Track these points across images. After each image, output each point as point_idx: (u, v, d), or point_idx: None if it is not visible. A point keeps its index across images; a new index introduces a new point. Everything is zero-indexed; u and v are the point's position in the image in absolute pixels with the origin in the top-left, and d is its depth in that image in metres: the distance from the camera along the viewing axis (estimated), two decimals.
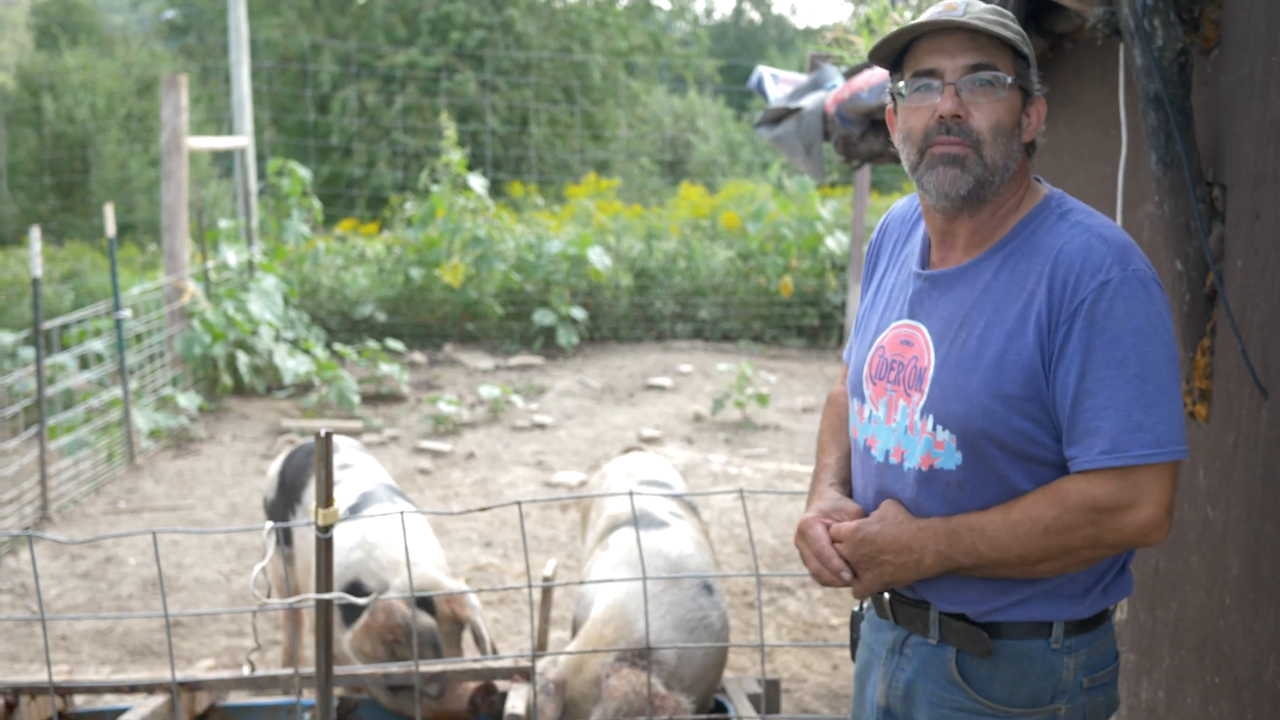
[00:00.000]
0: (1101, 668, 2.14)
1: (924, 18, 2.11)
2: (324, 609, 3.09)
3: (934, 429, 2.09)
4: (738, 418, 9.95)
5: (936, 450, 2.09)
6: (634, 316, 13.13)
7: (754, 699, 3.98)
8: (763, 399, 9.88)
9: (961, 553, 2.04)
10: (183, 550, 6.99)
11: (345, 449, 5.13)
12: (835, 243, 13.03)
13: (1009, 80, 2.07)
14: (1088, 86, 3.50)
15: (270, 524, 3.07)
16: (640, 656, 3.56)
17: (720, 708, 3.95)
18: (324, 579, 3.07)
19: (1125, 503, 1.96)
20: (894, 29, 2.26)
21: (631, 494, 3.28)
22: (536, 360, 12.11)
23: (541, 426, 9.83)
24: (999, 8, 2.13)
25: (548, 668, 3.62)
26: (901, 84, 2.14)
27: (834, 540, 2.15)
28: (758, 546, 7.14)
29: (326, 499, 3.02)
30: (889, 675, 2.24)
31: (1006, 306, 2.05)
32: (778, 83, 5.79)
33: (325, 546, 3.06)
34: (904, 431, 2.14)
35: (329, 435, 2.99)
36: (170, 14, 29.78)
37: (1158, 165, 2.74)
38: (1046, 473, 2.05)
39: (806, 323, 13.06)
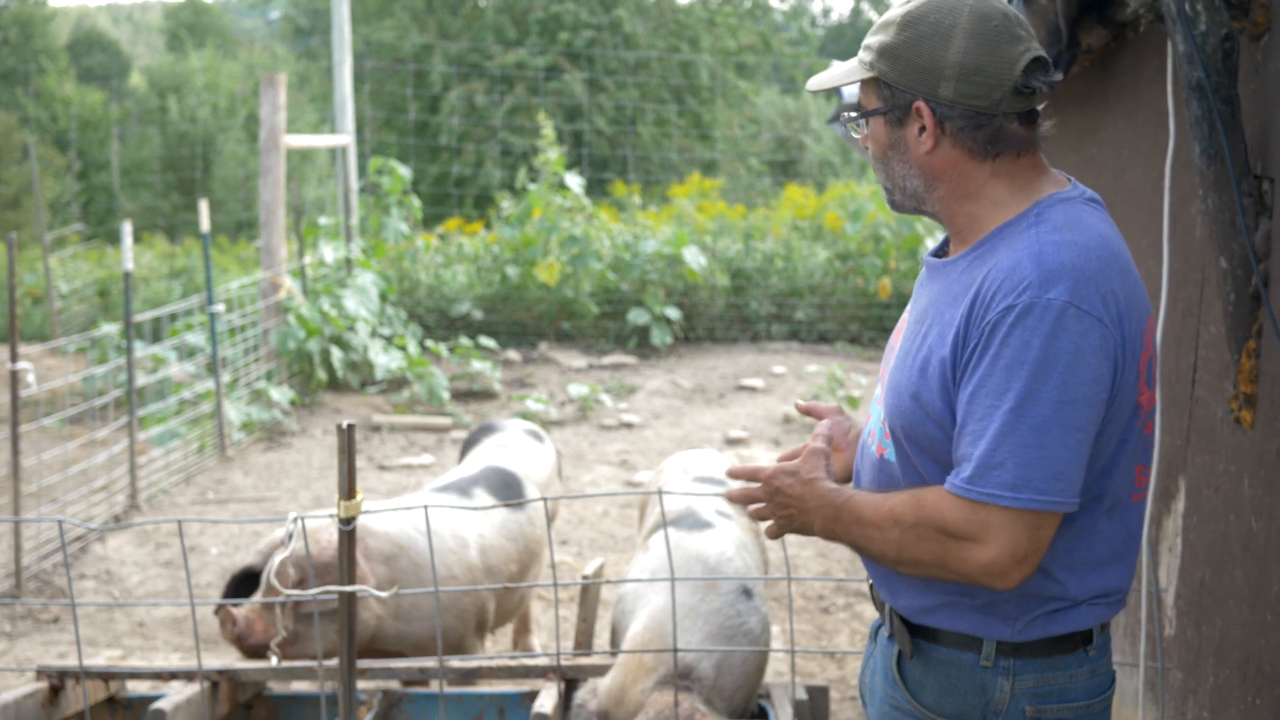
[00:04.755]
0: (1059, 701, 2.00)
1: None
2: (347, 601, 3.08)
3: (885, 419, 2.09)
4: None
5: (885, 440, 2.10)
6: (730, 317, 13.05)
7: (800, 706, 3.89)
8: (853, 401, 9.74)
9: (842, 529, 2.04)
10: (260, 540, 7.09)
11: (511, 429, 5.47)
12: (934, 243, 12.81)
13: (863, 114, 2.07)
14: (1145, 78, 3.36)
15: (293, 514, 3.07)
16: (683, 678, 3.50)
17: (762, 713, 3.87)
18: (347, 571, 3.07)
19: (970, 535, 1.88)
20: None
21: (661, 492, 3.22)
22: (630, 360, 12.10)
23: (629, 426, 9.81)
24: (900, 18, 2.02)
25: (588, 699, 3.55)
26: None
27: (755, 479, 2.14)
28: (837, 550, 7.03)
29: (349, 491, 3.01)
30: (865, 662, 2.26)
31: (948, 311, 1.98)
32: None
33: (348, 539, 3.06)
34: (876, 417, 2.14)
35: (351, 427, 2.98)
36: (275, 15, 30.39)
37: (1201, 158, 2.61)
38: None
39: None
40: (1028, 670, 1.99)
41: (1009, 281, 1.88)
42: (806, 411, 2.38)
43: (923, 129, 1.99)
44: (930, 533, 1.91)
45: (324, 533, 4.05)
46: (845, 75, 2.06)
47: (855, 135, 2.12)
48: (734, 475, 2.17)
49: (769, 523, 2.14)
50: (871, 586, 2.21)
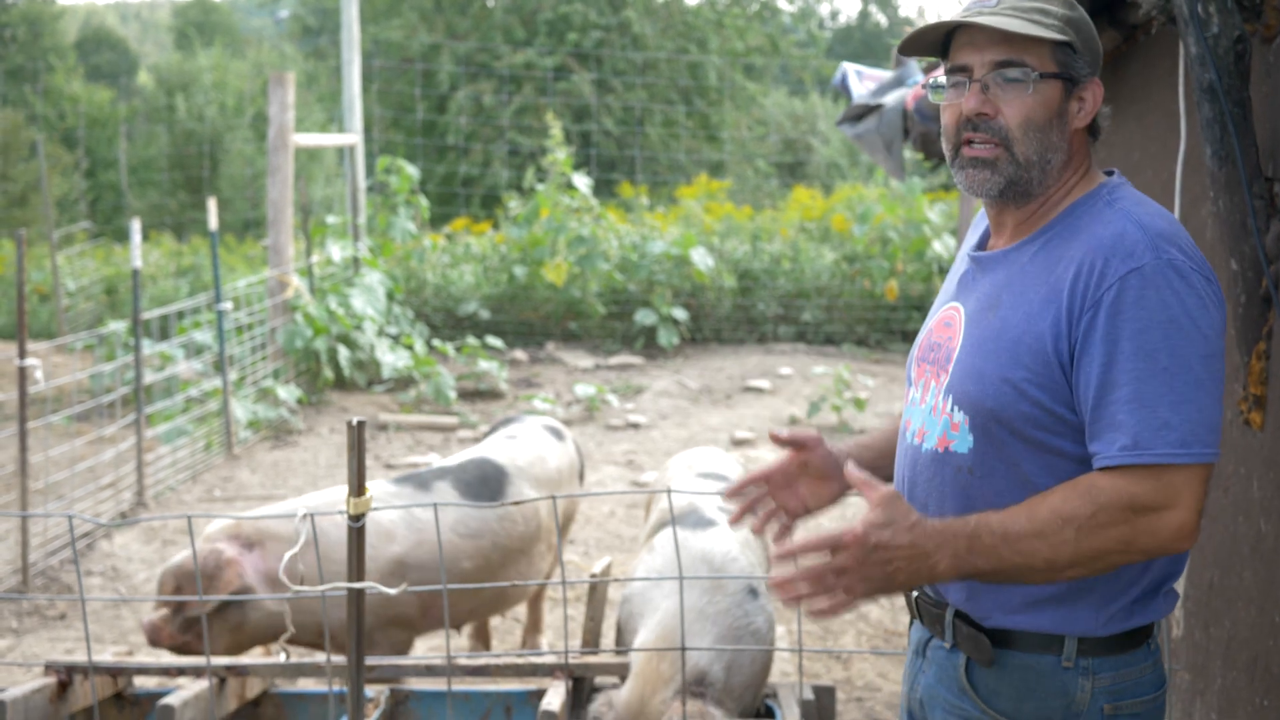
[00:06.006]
0: (1131, 696, 2.00)
1: (958, 11, 2.05)
2: (355, 598, 3.09)
3: (952, 410, 2.03)
4: (834, 422, 9.82)
5: (953, 432, 2.03)
6: (736, 318, 13.05)
7: (807, 706, 3.89)
8: (860, 403, 9.74)
9: (982, 557, 1.88)
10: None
11: (529, 422, 5.34)
12: (942, 246, 12.81)
13: (1037, 75, 1.99)
14: (1157, 80, 3.36)
15: (304, 510, 3.07)
16: (696, 684, 3.49)
17: (769, 712, 3.87)
18: (356, 567, 3.07)
19: (1161, 503, 1.83)
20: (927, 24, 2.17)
21: (670, 491, 3.22)
22: (637, 360, 12.10)
23: (635, 426, 9.81)
24: None
25: (604, 711, 3.53)
26: (941, 78, 2.09)
27: (835, 548, 1.84)
28: None
29: (358, 488, 3.02)
30: (912, 677, 2.20)
31: (1033, 290, 1.98)
32: (861, 79, 5.69)
33: (357, 535, 3.06)
34: (929, 412, 2.09)
35: (361, 424, 2.98)
36: (284, 14, 30.42)
37: (1212, 160, 2.61)
38: (1057, 462, 1.96)
39: (912, 327, 12.85)
40: (1105, 668, 1.99)
41: (1120, 248, 1.90)
42: (786, 442, 2.24)
43: (1081, 106, 2.04)
44: (1117, 514, 1.84)
45: (220, 541, 4.11)
46: (1023, 29, 1.96)
47: (1019, 95, 1.99)
48: (797, 551, 1.86)
49: (824, 603, 1.86)
50: (916, 600, 2.15)
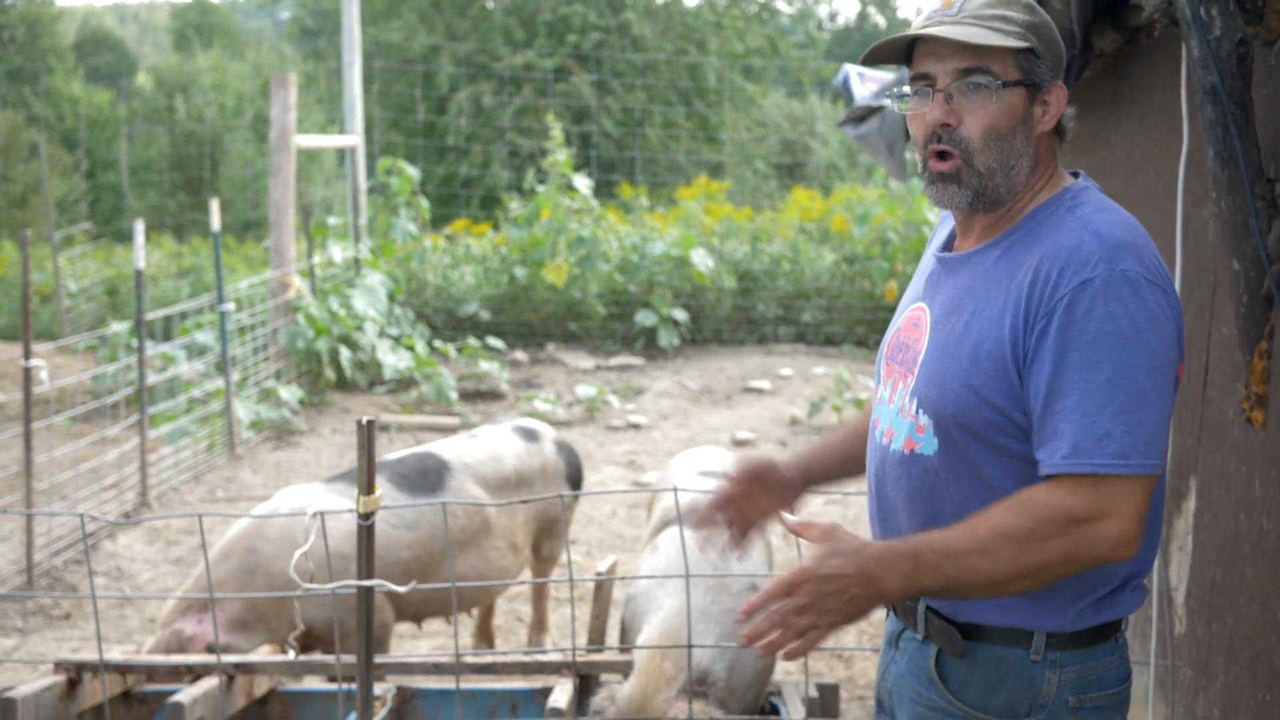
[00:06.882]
0: (1096, 689, 2.04)
1: (919, 20, 2.08)
2: (365, 595, 3.11)
3: (917, 412, 2.06)
4: (834, 422, 9.85)
5: (918, 435, 2.07)
6: (736, 319, 13.08)
7: (811, 703, 3.92)
8: (860, 404, 9.76)
9: (927, 575, 1.91)
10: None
11: (503, 423, 5.33)
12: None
13: (1000, 83, 2.00)
14: (1159, 82, 3.38)
15: (312, 509, 3.09)
16: (699, 683, 3.51)
17: (774, 710, 3.89)
18: (365, 566, 3.09)
19: (1098, 514, 1.86)
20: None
21: (676, 490, 3.24)
22: (637, 361, 12.13)
23: (636, 427, 9.84)
24: None
25: (606, 705, 3.55)
26: (905, 87, 2.11)
27: (790, 590, 1.90)
28: None
29: (368, 486, 3.04)
30: (884, 667, 2.23)
31: (994, 296, 2.00)
32: (864, 81, 5.71)
33: (367, 534, 3.08)
34: (896, 413, 2.12)
35: (371, 423, 3.00)
36: (285, 15, 30.44)
37: (1215, 161, 2.64)
38: (1019, 466, 1.98)
39: None
40: (1071, 661, 2.02)
41: (1075, 258, 1.91)
42: (745, 479, 2.36)
43: (1045, 110, 2.04)
44: (1056, 528, 1.87)
45: (176, 622, 4.25)
46: (985, 39, 1.97)
47: (982, 103, 2.00)
48: (759, 604, 1.92)
49: (795, 643, 1.92)
50: None
